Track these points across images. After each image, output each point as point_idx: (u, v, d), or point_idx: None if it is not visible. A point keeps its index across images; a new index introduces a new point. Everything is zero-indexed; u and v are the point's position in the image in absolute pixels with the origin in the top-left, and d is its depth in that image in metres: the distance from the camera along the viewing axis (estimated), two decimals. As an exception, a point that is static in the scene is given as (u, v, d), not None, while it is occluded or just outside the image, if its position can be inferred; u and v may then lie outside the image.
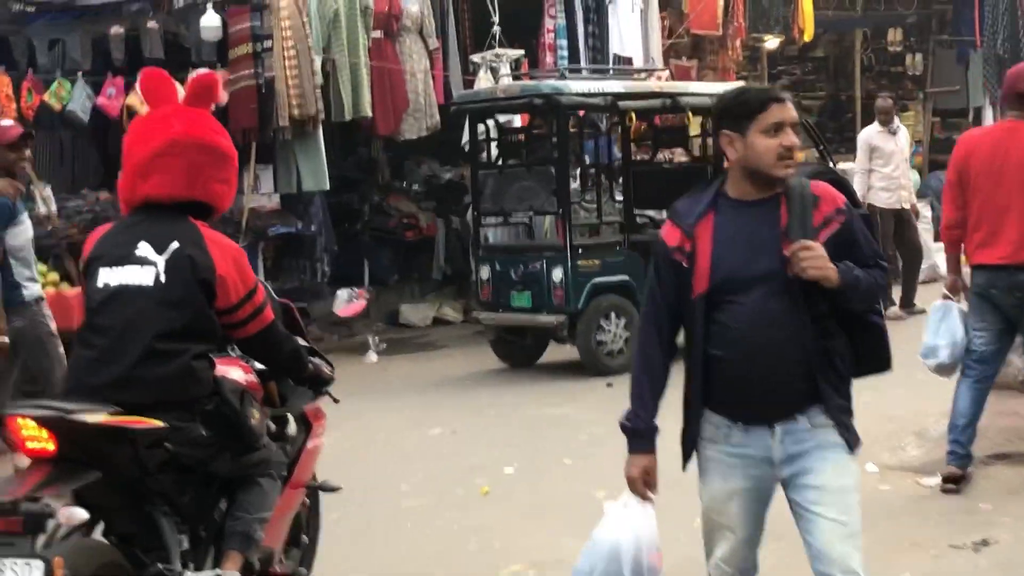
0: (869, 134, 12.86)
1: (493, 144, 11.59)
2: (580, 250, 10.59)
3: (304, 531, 5.02)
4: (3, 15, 11.15)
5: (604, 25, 14.72)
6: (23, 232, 7.01)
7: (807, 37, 16.42)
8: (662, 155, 12.59)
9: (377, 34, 12.70)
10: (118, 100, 11.05)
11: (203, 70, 5.15)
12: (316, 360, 4.60)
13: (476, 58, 13.58)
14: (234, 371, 4.37)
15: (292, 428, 4.77)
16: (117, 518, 4.04)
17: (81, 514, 3.73)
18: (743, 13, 15.50)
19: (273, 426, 4.62)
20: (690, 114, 11.09)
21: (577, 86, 10.56)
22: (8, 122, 7.63)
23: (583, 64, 13.51)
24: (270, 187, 11.99)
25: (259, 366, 4.50)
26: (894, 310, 12.64)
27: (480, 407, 9.60)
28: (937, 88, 19.59)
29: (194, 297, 4.10)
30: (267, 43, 11.22)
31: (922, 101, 19.62)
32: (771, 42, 16.84)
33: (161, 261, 4.10)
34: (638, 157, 12.27)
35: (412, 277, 14.94)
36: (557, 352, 11.23)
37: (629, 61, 14.17)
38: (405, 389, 10.55)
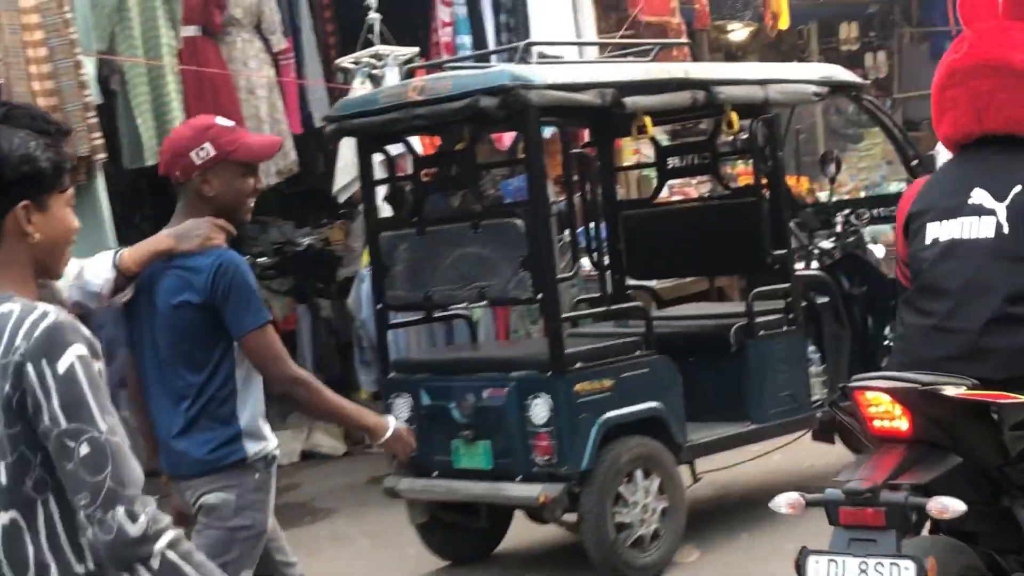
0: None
1: (386, 187, 6.91)
2: (578, 362, 5.98)
3: None
4: None
5: (521, 14, 10.44)
6: None
7: (782, 24, 12.27)
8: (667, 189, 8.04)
9: (191, 31, 8.20)
10: None
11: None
12: None
13: (346, 62, 9.01)
14: None
15: None
16: (967, 512, 3.27)
17: (958, 506, 3.19)
18: (703, -5, 11.26)
19: None
20: (733, 116, 6.55)
21: (554, 73, 5.95)
22: None
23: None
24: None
25: None
26: None
27: None
28: (907, 92, 16.07)
29: None
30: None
31: (890, 109, 15.93)
32: (738, 32, 12.64)
33: (1001, 208, 3.47)
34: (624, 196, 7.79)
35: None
36: (528, 532, 6.63)
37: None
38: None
